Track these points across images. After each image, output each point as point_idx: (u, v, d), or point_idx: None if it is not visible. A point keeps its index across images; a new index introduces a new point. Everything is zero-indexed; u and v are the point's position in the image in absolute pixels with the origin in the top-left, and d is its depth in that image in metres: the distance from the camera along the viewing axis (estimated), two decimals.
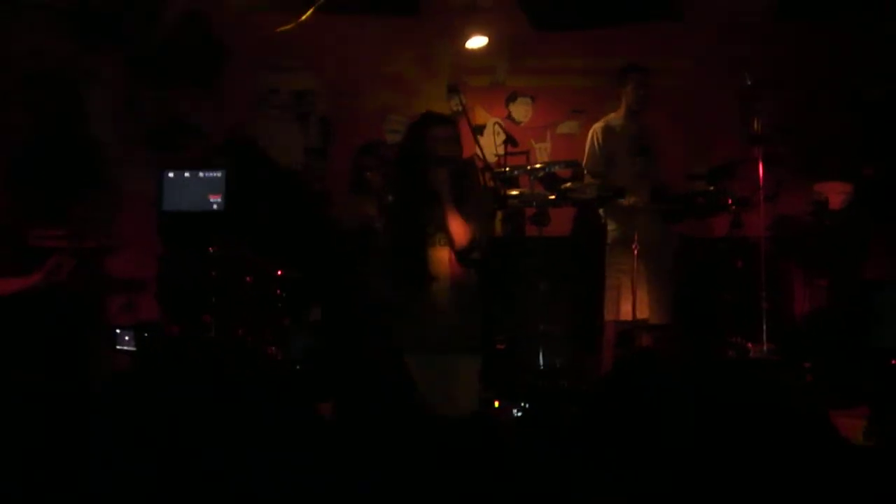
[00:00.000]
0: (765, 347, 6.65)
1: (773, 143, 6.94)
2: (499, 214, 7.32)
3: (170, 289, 7.39)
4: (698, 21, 8.51)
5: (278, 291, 7.05)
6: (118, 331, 6.95)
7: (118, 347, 6.78)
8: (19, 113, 7.75)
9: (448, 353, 5.06)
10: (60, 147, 7.29)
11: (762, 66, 7.63)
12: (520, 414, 5.61)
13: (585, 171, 7.02)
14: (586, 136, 7.16)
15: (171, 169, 7.39)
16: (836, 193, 7.41)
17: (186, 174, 7.31)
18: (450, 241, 5.09)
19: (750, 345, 6.75)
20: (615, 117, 7.07)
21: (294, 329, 6.91)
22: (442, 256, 5.12)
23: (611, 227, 6.93)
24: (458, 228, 5.09)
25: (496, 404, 6.08)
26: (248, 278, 6.99)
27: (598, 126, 7.08)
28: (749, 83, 6.88)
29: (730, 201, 6.87)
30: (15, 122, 7.68)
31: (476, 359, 5.18)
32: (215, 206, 7.22)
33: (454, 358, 5.07)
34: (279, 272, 7.02)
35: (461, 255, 5.11)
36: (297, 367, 6.61)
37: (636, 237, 6.60)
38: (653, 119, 7.23)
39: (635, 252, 6.59)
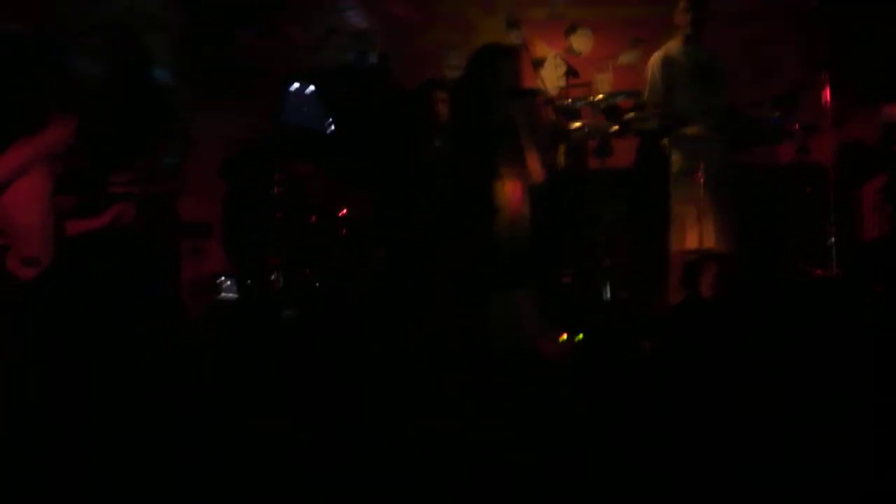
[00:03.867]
0: (834, 273, 6.59)
1: (839, 67, 6.82)
2: (561, 147, 7.28)
3: (235, 232, 7.45)
4: None
5: (343, 231, 7.08)
6: (222, 278, 7.02)
7: (222, 295, 6.86)
8: (84, 61, 7.83)
9: (506, 289, 5.08)
10: (129, 93, 7.33)
11: None
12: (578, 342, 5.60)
13: (646, 103, 6.93)
14: (647, 65, 7.08)
15: (295, 79, 7.28)
16: None
17: (311, 87, 7.22)
18: (524, 175, 5.06)
19: (819, 272, 6.68)
20: (674, 45, 6.96)
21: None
22: (506, 190, 5.11)
23: (674, 156, 6.85)
24: (534, 161, 5.07)
25: (563, 338, 6.09)
26: (312, 218, 7.02)
27: (656, 56, 6.97)
28: (814, 4, 6.73)
29: (797, 127, 6.77)
30: (81, 70, 7.76)
31: (533, 294, 5.19)
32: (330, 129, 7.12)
33: (512, 293, 5.10)
34: (344, 211, 7.05)
35: (537, 188, 5.09)
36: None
37: (701, 166, 6.53)
38: (713, 45, 7.13)
39: (700, 181, 6.52)
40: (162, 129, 7.18)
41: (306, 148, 6.91)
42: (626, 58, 8.52)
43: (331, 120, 7.08)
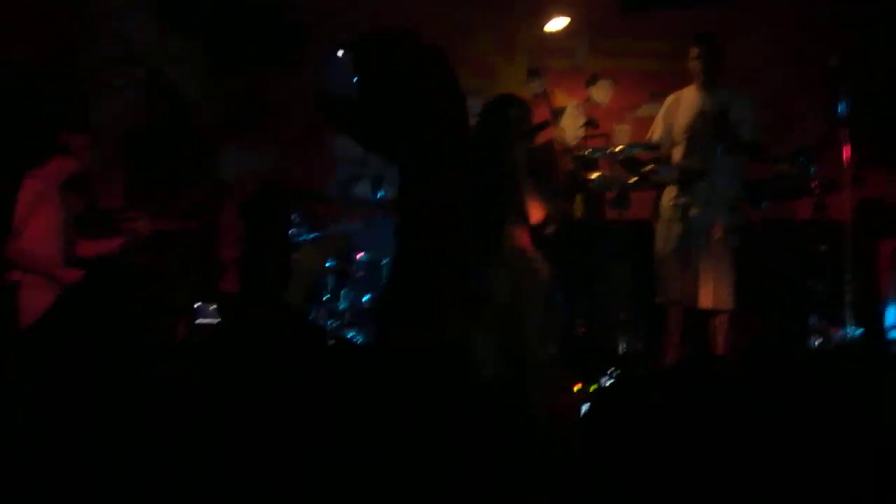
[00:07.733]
0: (849, 332, 6.53)
1: (859, 125, 6.78)
2: (578, 198, 7.28)
3: (253, 271, 7.47)
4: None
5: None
6: (198, 304, 6.98)
7: (198, 322, 6.83)
8: (108, 97, 7.88)
9: (526, 340, 5.07)
10: (157, 131, 7.36)
11: (850, 45, 7.46)
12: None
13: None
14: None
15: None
16: None
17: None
18: (523, 217, 5.08)
19: (835, 329, 6.63)
20: (687, 90, 6.95)
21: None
22: (520, 234, 5.12)
23: (692, 210, 6.82)
24: (534, 204, 5.10)
25: (576, 388, 6.07)
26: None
27: (668, 99, 6.99)
28: (835, 64, 6.71)
29: (814, 184, 6.74)
30: (105, 106, 7.80)
31: (554, 345, 5.19)
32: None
33: (532, 345, 5.09)
34: (359, 255, 7.07)
35: (535, 231, 5.10)
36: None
37: (716, 220, 6.52)
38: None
39: (716, 236, 6.50)
40: (191, 165, 7.22)
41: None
42: (645, 110, 8.51)
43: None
